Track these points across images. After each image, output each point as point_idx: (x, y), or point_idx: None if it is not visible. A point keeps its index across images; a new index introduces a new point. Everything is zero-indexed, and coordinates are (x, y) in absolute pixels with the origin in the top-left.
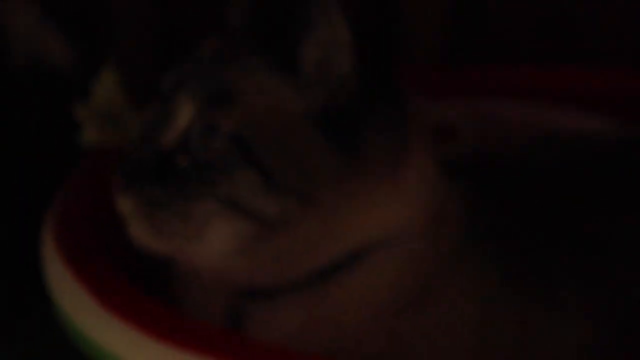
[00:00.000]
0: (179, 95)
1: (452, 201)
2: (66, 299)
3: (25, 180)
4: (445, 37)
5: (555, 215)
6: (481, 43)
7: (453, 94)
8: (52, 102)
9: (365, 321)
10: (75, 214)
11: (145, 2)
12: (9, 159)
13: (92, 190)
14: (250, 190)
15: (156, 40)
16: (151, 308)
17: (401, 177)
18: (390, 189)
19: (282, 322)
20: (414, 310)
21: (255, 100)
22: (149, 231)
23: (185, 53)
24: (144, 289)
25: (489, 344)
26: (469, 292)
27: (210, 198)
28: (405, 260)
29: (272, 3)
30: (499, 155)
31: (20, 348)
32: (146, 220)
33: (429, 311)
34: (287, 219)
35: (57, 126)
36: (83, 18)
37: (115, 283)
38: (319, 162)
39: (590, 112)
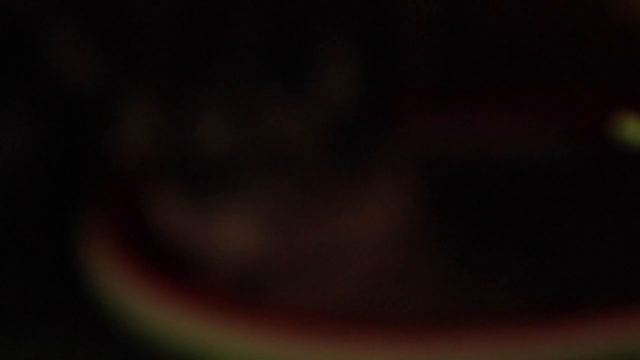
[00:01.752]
0: (211, 112)
1: (422, 204)
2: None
3: (63, 187)
4: (435, 55)
5: (500, 214)
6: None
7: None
8: (87, 121)
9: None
10: (110, 218)
11: (172, 23)
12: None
13: (126, 195)
14: (272, 193)
15: (180, 61)
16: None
17: (384, 186)
18: (376, 195)
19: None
20: (392, 286)
21: (275, 119)
22: (187, 221)
23: (206, 72)
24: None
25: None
26: (431, 271)
27: (239, 198)
28: (385, 252)
29: (285, 36)
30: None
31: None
32: (185, 212)
33: (404, 284)
34: (298, 216)
35: (91, 142)
36: (112, 41)
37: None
38: (325, 171)
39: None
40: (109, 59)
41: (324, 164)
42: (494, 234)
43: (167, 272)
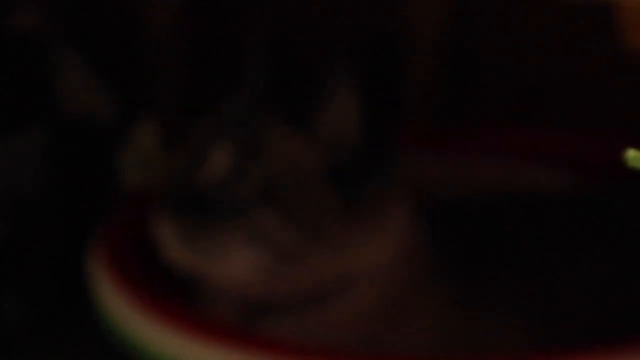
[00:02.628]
0: (215, 143)
1: (422, 238)
2: (114, 308)
3: (72, 214)
4: (438, 95)
5: (499, 248)
6: (471, 101)
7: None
8: (96, 151)
9: (353, 331)
10: (118, 245)
11: (179, 58)
12: (59, 199)
13: (133, 222)
14: (274, 226)
15: (186, 93)
16: (187, 311)
17: (385, 219)
18: (376, 228)
19: (282, 333)
20: (390, 319)
21: (279, 153)
22: (186, 253)
23: (212, 104)
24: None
25: (442, 340)
26: (430, 304)
27: (240, 230)
28: (384, 285)
29: (290, 71)
30: (464, 203)
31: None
32: (186, 243)
33: (403, 317)
34: (300, 249)
35: (100, 171)
36: (120, 72)
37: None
38: (327, 205)
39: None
40: (119, 90)
41: (328, 196)
42: (496, 269)
43: (171, 301)
